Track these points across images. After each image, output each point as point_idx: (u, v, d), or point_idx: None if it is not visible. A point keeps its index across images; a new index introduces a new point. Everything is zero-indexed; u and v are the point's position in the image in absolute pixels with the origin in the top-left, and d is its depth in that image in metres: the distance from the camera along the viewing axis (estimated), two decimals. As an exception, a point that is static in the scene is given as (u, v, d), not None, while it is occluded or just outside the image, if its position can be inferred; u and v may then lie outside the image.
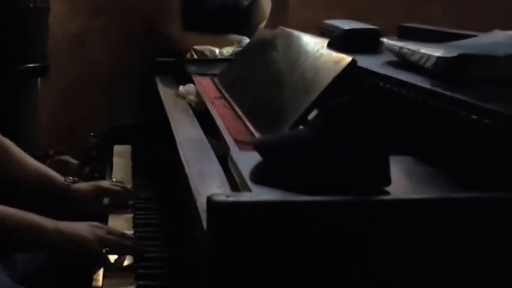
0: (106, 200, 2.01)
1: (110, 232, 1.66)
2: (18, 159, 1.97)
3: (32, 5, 2.96)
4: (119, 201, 1.99)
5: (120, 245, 1.64)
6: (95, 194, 1.98)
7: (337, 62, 1.40)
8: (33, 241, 1.63)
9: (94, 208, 1.96)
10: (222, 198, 0.98)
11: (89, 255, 1.62)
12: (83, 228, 1.64)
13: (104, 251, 1.63)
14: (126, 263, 1.62)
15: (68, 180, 2.00)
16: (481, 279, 1.03)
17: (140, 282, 1.50)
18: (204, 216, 1.05)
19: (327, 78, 1.38)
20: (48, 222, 1.61)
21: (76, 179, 2.04)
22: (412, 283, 1.02)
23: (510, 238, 1.01)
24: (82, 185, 2.02)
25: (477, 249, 1.02)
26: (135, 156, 2.41)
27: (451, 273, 1.02)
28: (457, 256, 1.01)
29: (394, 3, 3.36)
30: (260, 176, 1.13)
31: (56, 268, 1.77)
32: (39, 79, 3.16)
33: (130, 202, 1.99)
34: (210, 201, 0.98)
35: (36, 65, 3.03)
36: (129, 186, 2.10)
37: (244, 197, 1.02)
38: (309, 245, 0.98)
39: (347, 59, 1.38)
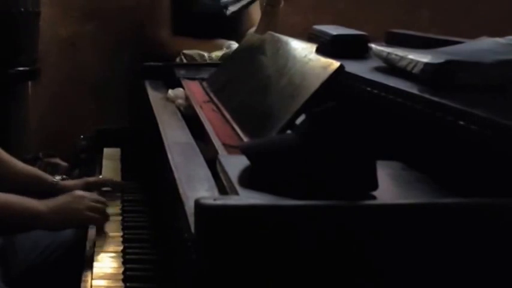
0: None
1: (94, 200, 1.81)
2: (5, 161, 1.99)
3: (22, 9, 2.96)
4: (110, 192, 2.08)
5: (102, 212, 1.80)
6: (83, 188, 2.02)
7: (325, 67, 1.40)
8: (26, 223, 1.75)
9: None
10: (210, 201, 0.98)
11: (80, 225, 1.80)
12: (69, 201, 1.78)
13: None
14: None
15: (56, 178, 2.07)
16: (467, 284, 1.03)
17: (128, 284, 1.51)
18: (191, 220, 1.05)
19: (315, 83, 1.38)
20: (39, 204, 1.74)
21: (65, 176, 2.10)
22: (394, 286, 1.02)
23: (497, 243, 1.02)
24: (70, 182, 2.10)
25: (463, 254, 1.02)
26: (124, 159, 2.42)
27: (437, 278, 1.02)
28: (443, 261, 1.01)
29: (382, 9, 3.38)
30: (248, 179, 1.13)
31: (46, 269, 1.78)
32: (29, 82, 3.16)
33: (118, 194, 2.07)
34: (197, 204, 0.98)
35: (26, 68, 3.03)
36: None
37: (231, 200, 1.02)
38: (295, 249, 0.98)
39: (335, 64, 1.39)
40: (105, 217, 1.82)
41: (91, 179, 2.14)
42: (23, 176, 2.03)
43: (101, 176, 2.22)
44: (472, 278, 1.03)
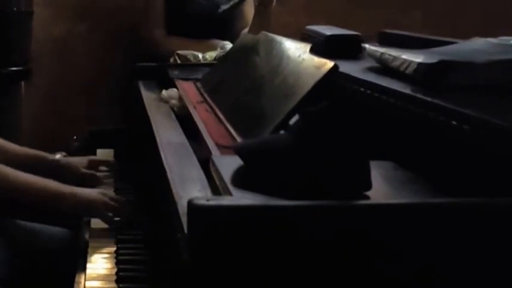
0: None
1: (112, 198, 1.86)
2: (2, 144, 2.07)
3: (15, 9, 2.96)
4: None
5: (117, 209, 1.84)
6: (85, 165, 2.17)
7: (319, 67, 1.40)
8: (48, 203, 1.83)
9: (86, 178, 2.14)
10: (203, 202, 0.97)
11: (95, 216, 1.87)
12: (92, 193, 1.86)
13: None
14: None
15: (57, 156, 2.16)
16: (460, 283, 1.03)
17: (121, 285, 1.51)
18: (184, 220, 1.05)
19: (309, 83, 1.38)
20: (64, 187, 1.84)
21: (65, 154, 2.20)
22: (387, 285, 1.02)
23: (489, 243, 1.01)
24: (73, 158, 2.22)
25: (456, 254, 1.02)
26: (117, 159, 2.41)
27: (430, 278, 1.02)
28: (436, 261, 1.01)
29: (374, 10, 3.38)
30: (241, 180, 1.13)
31: (39, 270, 1.78)
32: (22, 82, 3.15)
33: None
34: (190, 204, 0.98)
35: (19, 68, 3.03)
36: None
37: (224, 200, 1.02)
38: (288, 249, 0.98)
39: (329, 64, 1.39)
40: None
41: (92, 157, 2.27)
42: (23, 157, 2.07)
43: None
44: (465, 277, 1.02)
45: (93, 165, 2.22)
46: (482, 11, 3.41)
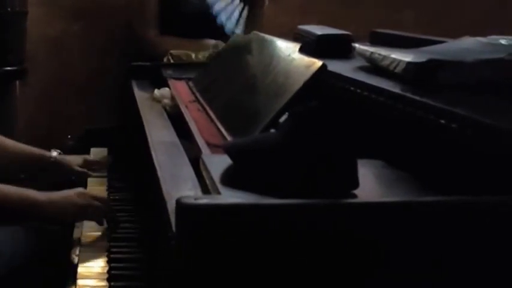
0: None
1: (92, 197, 1.84)
2: (1, 141, 2.08)
3: (9, 9, 2.96)
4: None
5: (99, 211, 1.81)
6: (82, 165, 2.19)
7: (308, 67, 1.41)
8: (25, 212, 1.79)
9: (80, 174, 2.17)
10: (191, 200, 0.98)
11: (77, 220, 1.85)
12: (71, 195, 1.81)
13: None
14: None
15: (53, 154, 2.16)
16: (450, 281, 1.03)
17: (113, 284, 1.51)
18: (173, 218, 1.05)
19: (298, 82, 1.39)
20: (39, 194, 1.79)
21: (60, 152, 2.20)
22: (375, 284, 1.02)
23: (478, 241, 1.02)
24: (68, 156, 2.22)
25: (446, 252, 1.02)
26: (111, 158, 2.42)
27: (420, 276, 1.02)
28: (426, 259, 1.02)
29: (367, 10, 3.39)
30: (230, 178, 1.14)
31: (31, 269, 1.78)
32: (17, 82, 3.15)
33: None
34: (178, 203, 0.98)
35: (14, 68, 3.03)
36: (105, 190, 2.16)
37: (212, 199, 1.02)
38: (276, 247, 0.98)
39: (318, 63, 1.40)
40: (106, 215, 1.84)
41: (88, 156, 2.30)
42: (20, 154, 2.10)
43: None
44: (455, 275, 1.03)
45: (88, 164, 2.23)
46: (473, 10, 3.42)
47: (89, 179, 2.21)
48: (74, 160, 2.21)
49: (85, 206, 1.79)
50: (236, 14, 3.11)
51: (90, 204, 1.80)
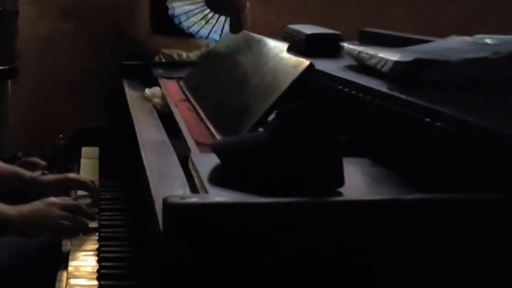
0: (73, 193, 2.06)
1: (67, 206, 1.78)
2: None
3: (1, 8, 2.96)
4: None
5: (74, 221, 1.76)
6: (62, 184, 2.04)
7: (295, 66, 1.42)
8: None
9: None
10: (177, 199, 0.98)
11: (51, 232, 1.77)
12: (41, 208, 1.76)
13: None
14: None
15: (36, 174, 2.10)
16: (429, 280, 1.04)
17: (103, 283, 1.52)
18: (161, 218, 1.06)
19: (286, 81, 1.40)
20: (9, 209, 1.72)
21: (45, 172, 2.16)
22: (361, 283, 1.03)
23: (462, 238, 1.03)
24: (50, 176, 2.11)
25: (429, 249, 1.03)
26: (102, 157, 2.43)
27: (402, 274, 1.03)
28: (409, 256, 1.02)
29: (356, 9, 3.39)
30: (218, 178, 1.14)
31: (22, 270, 1.78)
32: (8, 81, 3.15)
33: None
34: (165, 203, 0.99)
35: (5, 67, 3.03)
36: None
37: (198, 198, 1.03)
38: (262, 245, 0.99)
39: (305, 62, 1.41)
40: (79, 225, 1.78)
41: (71, 175, 2.13)
42: (3, 173, 2.04)
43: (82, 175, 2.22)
44: (437, 273, 1.03)
45: (71, 184, 2.08)
46: (461, 10, 3.43)
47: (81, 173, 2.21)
48: (55, 180, 2.06)
49: (56, 217, 1.75)
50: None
51: (62, 215, 1.75)
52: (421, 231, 1.02)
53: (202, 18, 3.00)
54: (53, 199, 1.80)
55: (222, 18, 3.00)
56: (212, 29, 2.98)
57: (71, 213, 1.77)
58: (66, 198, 1.89)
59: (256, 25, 2.81)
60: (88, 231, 1.79)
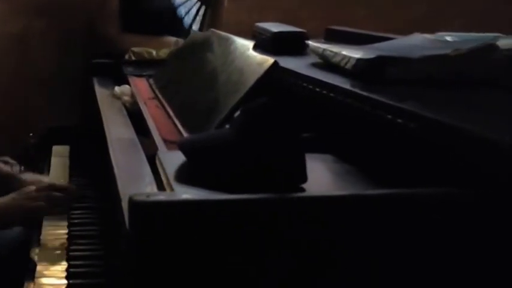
0: None
1: (38, 189, 1.82)
2: None
3: (-30, 6, 2.95)
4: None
5: (51, 198, 1.81)
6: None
7: (260, 64, 1.43)
8: None
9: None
10: (142, 198, 0.98)
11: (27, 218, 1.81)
12: (14, 197, 1.80)
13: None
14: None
15: (14, 169, 2.14)
16: (397, 276, 1.05)
17: (71, 282, 1.52)
18: (127, 216, 1.07)
19: (251, 79, 1.41)
20: None
21: (22, 168, 2.17)
22: (328, 279, 1.04)
23: (425, 234, 1.04)
24: (26, 176, 2.12)
25: (392, 246, 1.04)
26: (72, 156, 2.43)
27: (367, 270, 1.04)
28: (370, 252, 1.03)
29: (325, 7, 3.42)
30: (184, 175, 1.15)
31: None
32: (-22, 80, 3.14)
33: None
34: (131, 200, 0.99)
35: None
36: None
37: (163, 196, 1.03)
38: (227, 243, 1.00)
39: (270, 60, 1.42)
40: (51, 202, 1.82)
41: (45, 179, 2.13)
42: None
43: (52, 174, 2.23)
44: (400, 268, 1.05)
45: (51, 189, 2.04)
46: (424, 8, 3.47)
47: (50, 176, 2.21)
48: (34, 179, 2.08)
49: (28, 202, 1.78)
50: (194, 10, 3.13)
51: (32, 197, 1.79)
52: (385, 227, 1.03)
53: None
54: (26, 188, 1.84)
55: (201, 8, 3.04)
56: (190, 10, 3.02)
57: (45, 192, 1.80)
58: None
59: (226, 23, 2.83)
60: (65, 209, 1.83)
